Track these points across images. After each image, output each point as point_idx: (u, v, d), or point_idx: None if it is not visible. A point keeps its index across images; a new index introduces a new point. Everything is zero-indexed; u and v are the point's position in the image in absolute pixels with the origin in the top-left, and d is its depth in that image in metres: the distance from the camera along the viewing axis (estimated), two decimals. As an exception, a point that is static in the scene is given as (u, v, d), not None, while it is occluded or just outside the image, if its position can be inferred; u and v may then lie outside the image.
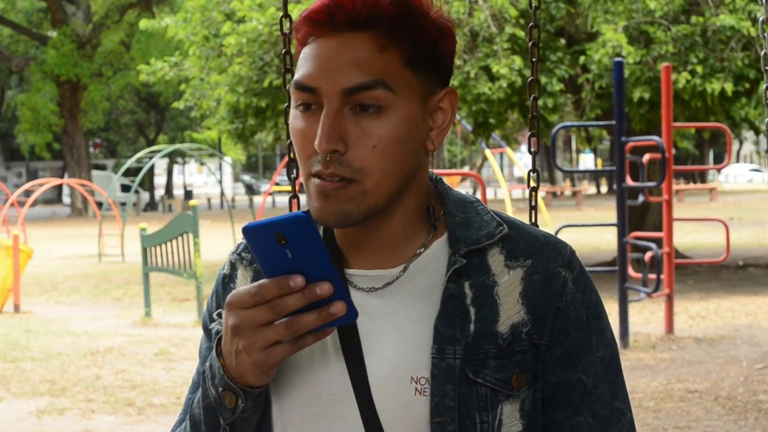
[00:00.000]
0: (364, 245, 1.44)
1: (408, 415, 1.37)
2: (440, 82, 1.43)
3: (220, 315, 1.50)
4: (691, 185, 42.78)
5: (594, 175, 57.85)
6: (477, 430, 1.37)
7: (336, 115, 1.35)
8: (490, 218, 1.45)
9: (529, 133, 2.16)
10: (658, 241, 10.63)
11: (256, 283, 1.28)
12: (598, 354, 1.42)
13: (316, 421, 1.40)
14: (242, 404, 1.36)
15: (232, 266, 1.53)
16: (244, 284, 1.49)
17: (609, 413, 1.41)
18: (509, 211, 21.02)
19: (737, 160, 73.24)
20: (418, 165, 1.42)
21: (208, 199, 49.01)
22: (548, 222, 23.66)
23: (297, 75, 1.39)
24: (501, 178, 21.66)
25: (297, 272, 1.26)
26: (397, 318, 1.40)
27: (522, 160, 41.11)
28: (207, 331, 1.54)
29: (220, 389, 1.36)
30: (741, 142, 64.34)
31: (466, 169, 41.15)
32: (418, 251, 1.43)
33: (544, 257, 1.42)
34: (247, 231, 1.26)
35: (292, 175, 2.05)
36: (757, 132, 17.01)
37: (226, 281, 1.52)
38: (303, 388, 1.41)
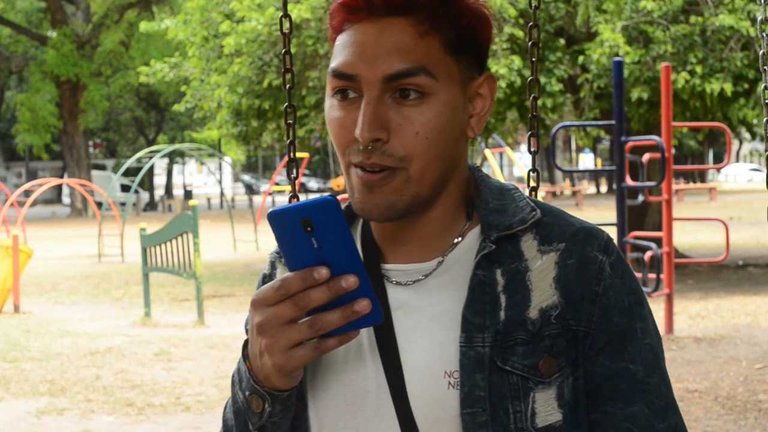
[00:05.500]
0: (402, 239, 1.41)
1: (441, 410, 1.34)
2: (478, 68, 1.40)
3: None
4: (691, 185, 42.79)
5: (594, 175, 57.87)
6: (510, 420, 1.33)
7: (377, 102, 1.32)
8: (525, 204, 1.41)
9: (529, 133, 2.16)
10: (658, 241, 10.63)
11: (279, 278, 1.25)
12: (646, 342, 1.37)
13: (352, 420, 1.38)
14: (269, 408, 1.32)
15: (272, 265, 1.50)
16: (270, 282, 1.47)
17: (665, 404, 1.37)
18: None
19: (737, 160, 73.24)
20: (459, 154, 1.39)
21: (208, 199, 49.02)
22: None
23: (334, 63, 1.36)
24: (501, 177, 21.68)
25: (322, 264, 1.23)
26: (432, 311, 1.37)
27: (522, 160, 41.12)
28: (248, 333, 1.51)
29: (247, 393, 1.33)
30: (741, 142, 64.37)
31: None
32: (454, 242, 1.40)
33: (578, 241, 1.38)
34: (273, 217, 1.22)
35: (292, 175, 2.05)
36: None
37: (266, 281, 1.50)
38: (339, 387, 1.39)
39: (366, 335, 1.38)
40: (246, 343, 1.34)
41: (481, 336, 1.34)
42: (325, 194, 1.25)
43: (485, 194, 1.42)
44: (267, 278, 1.50)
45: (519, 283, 1.36)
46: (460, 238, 1.40)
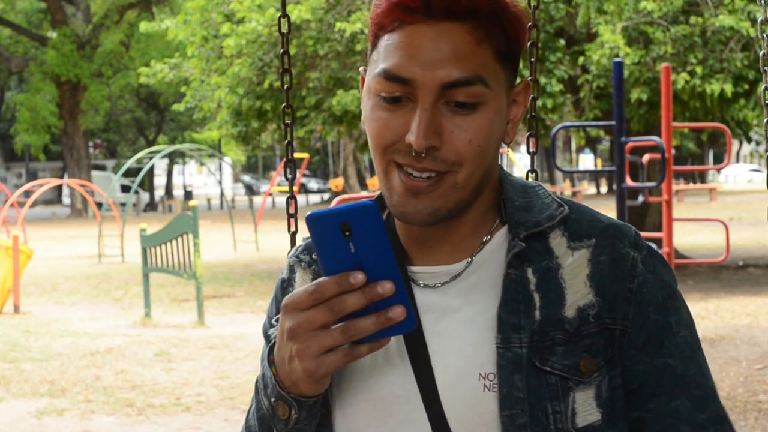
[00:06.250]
0: (430, 242, 1.39)
1: (476, 413, 1.32)
2: (516, 74, 1.39)
3: (279, 321, 1.45)
4: (691, 185, 42.78)
5: (594, 176, 57.89)
6: (549, 421, 1.32)
7: (433, 110, 1.30)
8: (551, 201, 1.41)
9: (528, 133, 2.16)
10: (658, 242, 10.63)
11: (314, 282, 1.23)
12: (681, 335, 1.37)
13: (382, 425, 1.36)
14: (295, 415, 1.31)
15: (291, 269, 1.48)
16: (303, 286, 1.46)
17: (704, 393, 1.36)
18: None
19: (737, 161, 73.24)
20: (496, 158, 1.39)
21: (208, 200, 49.03)
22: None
23: (387, 64, 1.31)
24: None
25: (358, 269, 1.21)
26: (463, 314, 1.36)
27: (522, 160, 41.13)
28: (267, 338, 1.49)
29: (272, 399, 1.31)
30: (741, 143, 64.37)
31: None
32: (482, 242, 1.39)
33: (608, 237, 1.37)
34: (312, 220, 1.21)
35: (289, 176, 2.05)
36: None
37: (285, 285, 1.47)
38: (367, 392, 1.37)
39: (393, 339, 1.35)
40: (271, 348, 1.31)
41: (517, 336, 1.32)
42: (368, 198, 1.24)
43: (510, 192, 1.41)
44: (285, 282, 1.48)
45: (551, 281, 1.34)
46: (488, 237, 1.39)
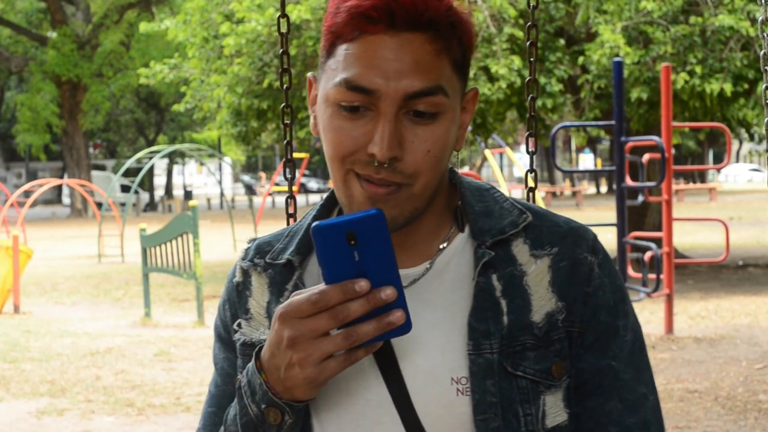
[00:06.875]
0: None
1: (451, 417, 1.34)
2: (467, 82, 1.41)
3: (240, 326, 1.46)
4: (691, 185, 42.77)
5: (594, 175, 57.87)
6: (521, 424, 1.34)
7: (395, 121, 1.31)
8: (510, 206, 1.43)
9: (527, 133, 2.16)
10: (658, 241, 10.63)
11: (315, 290, 1.24)
12: (626, 338, 1.40)
13: (355, 429, 1.37)
14: (289, 420, 1.32)
15: (245, 273, 1.48)
16: (260, 291, 1.45)
17: (635, 398, 1.39)
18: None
19: (737, 160, 73.20)
20: (448, 165, 1.41)
21: (208, 200, 49.02)
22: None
23: (348, 73, 1.31)
24: (501, 178, 21.64)
25: (360, 276, 1.23)
26: (428, 317, 1.37)
27: (521, 160, 41.12)
28: (223, 342, 1.50)
29: (263, 406, 1.31)
30: (740, 142, 64.37)
31: (466, 170, 41.12)
32: (441, 246, 1.41)
33: (569, 244, 1.40)
34: (318, 231, 1.22)
35: (289, 176, 2.05)
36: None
37: (240, 289, 1.48)
38: (339, 397, 1.38)
39: None
40: (257, 355, 1.32)
41: (488, 342, 1.34)
42: (370, 209, 1.25)
43: (467, 197, 1.43)
44: (241, 286, 1.48)
45: (517, 287, 1.37)
46: (446, 243, 1.41)
